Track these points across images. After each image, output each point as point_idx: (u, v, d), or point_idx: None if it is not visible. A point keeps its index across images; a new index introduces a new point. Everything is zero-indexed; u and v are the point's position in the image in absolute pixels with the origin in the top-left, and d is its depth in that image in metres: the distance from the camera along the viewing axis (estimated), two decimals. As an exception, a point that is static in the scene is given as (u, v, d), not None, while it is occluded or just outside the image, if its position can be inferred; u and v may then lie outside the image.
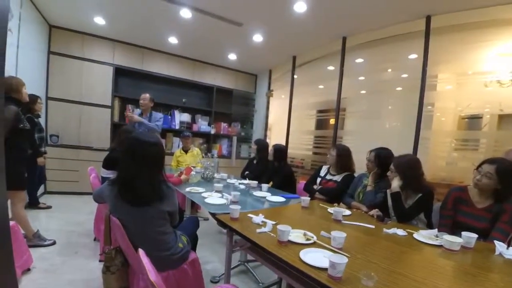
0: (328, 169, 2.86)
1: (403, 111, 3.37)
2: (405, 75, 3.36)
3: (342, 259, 1.01)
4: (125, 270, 1.53)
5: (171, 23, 3.88)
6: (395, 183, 2.00)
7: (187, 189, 2.55)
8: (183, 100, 5.58)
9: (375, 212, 2.05)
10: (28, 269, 2.17)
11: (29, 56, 3.65)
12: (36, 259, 2.28)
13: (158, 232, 1.51)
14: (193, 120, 5.77)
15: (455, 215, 1.86)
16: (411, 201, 2.00)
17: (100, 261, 2.37)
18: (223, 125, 5.93)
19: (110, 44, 4.78)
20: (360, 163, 2.76)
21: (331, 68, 4.20)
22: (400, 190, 1.98)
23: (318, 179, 2.84)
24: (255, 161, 3.81)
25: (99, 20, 4.05)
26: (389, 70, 3.56)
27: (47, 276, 2.15)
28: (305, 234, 1.42)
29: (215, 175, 3.38)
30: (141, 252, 1.11)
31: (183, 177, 2.82)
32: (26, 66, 3.51)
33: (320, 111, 4.51)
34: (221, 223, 1.68)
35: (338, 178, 2.71)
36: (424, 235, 1.62)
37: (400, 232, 1.67)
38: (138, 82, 5.22)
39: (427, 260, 1.32)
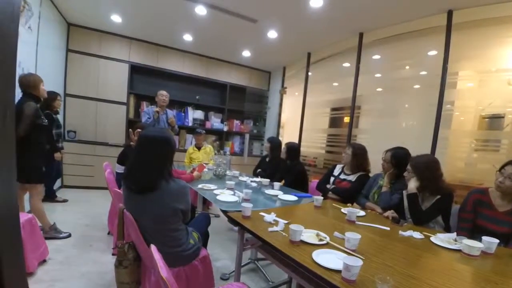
0: (342, 168, 2.80)
1: (420, 110, 3.26)
2: (423, 73, 3.24)
3: (356, 262, 0.98)
4: (137, 264, 1.55)
5: (186, 20, 3.90)
6: (412, 184, 1.94)
7: (199, 186, 2.56)
8: (197, 97, 5.62)
9: (390, 213, 1.99)
10: (44, 261, 2.24)
11: (48, 54, 3.75)
12: (52, 251, 2.35)
13: (170, 229, 1.52)
14: (206, 117, 5.80)
15: (475, 218, 1.78)
16: (429, 203, 1.93)
17: (113, 254, 2.42)
18: (236, 122, 5.94)
19: (126, 41, 4.86)
20: (375, 163, 2.69)
21: (346, 65, 4.11)
22: (417, 192, 1.92)
23: (332, 178, 2.79)
24: (267, 159, 3.79)
25: (116, 18, 4.11)
26: (407, 67, 3.44)
27: (62, 267, 2.21)
28: (318, 235, 1.39)
29: (227, 172, 3.39)
30: (153, 248, 1.11)
31: (195, 173, 2.84)
32: (45, 63, 3.61)
33: (334, 109, 4.43)
34: (233, 221, 1.67)
35: (352, 177, 2.65)
36: (441, 239, 1.56)
37: (417, 235, 1.62)
38: (153, 80, 5.28)
39: (444, 265, 1.27)
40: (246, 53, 5.11)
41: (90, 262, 2.33)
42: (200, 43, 4.85)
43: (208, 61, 5.55)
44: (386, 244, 1.48)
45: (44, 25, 3.47)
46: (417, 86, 3.31)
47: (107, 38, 4.73)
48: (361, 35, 3.75)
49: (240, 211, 1.72)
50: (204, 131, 4.44)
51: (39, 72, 3.18)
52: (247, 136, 5.92)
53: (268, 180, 3.05)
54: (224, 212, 1.87)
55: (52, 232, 2.67)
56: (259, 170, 3.75)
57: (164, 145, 1.51)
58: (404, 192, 2.02)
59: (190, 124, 5.50)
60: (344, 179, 2.70)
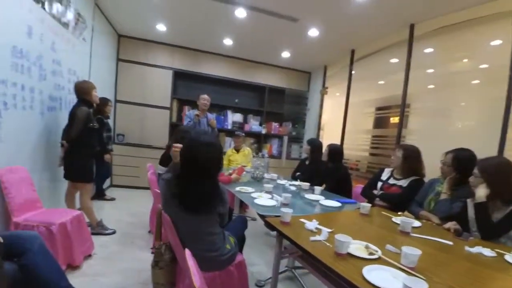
0: (392, 172, 2.54)
1: (480, 107, 2.83)
2: (484, 65, 2.81)
3: (420, 284, 0.81)
4: (173, 266, 1.54)
5: (226, 24, 3.94)
6: (481, 192, 1.64)
7: (237, 189, 2.50)
8: (236, 100, 5.66)
9: (452, 225, 1.72)
10: (90, 255, 2.36)
11: (100, 63, 4.05)
12: (97, 246, 2.47)
13: (207, 232, 1.48)
14: (245, 120, 5.81)
15: None
16: (500, 214, 1.62)
17: (152, 253, 2.47)
18: (274, 124, 5.85)
19: (170, 49, 5.09)
20: (426, 167, 2.39)
21: (394, 60, 3.79)
22: (486, 200, 1.63)
23: (379, 183, 2.54)
24: (307, 162, 3.63)
25: (161, 27, 4.31)
26: (465, 60, 3.03)
27: (105, 263, 2.31)
28: (367, 247, 1.22)
29: (265, 175, 3.30)
30: (187, 253, 1.05)
31: (233, 176, 2.80)
32: (98, 72, 3.90)
33: (379, 108, 4.11)
34: (270, 226, 1.57)
35: (403, 182, 2.38)
36: (520, 258, 1.28)
37: (487, 252, 1.35)
38: (194, 84, 5.44)
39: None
40: (286, 54, 5.01)
41: (130, 259, 2.40)
42: (239, 47, 4.88)
43: (247, 64, 5.56)
44: (449, 261, 1.26)
45: (96, 37, 3.76)
46: (476, 82, 2.89)
47: (153, 47, 5.00)
48: (412, 27, 3.41)
49: (278, 216, 1.61)
50: (243, 134, 4.43)
51: (92, 80, 3.43)
52: (285, 138, 5.78)
53: (308, 184, 2.89)
54: (262, 216, 1.78)
55: (98, 228, 2.82)
56: (298, 173, 3.60)
57: (216, 152, 1.47)
58: (469, 201, 1.74)
59: (229, 127, 5.56)
60: (394, 184, 2.44)
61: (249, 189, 2.48)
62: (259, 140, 5.84)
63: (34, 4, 2.26)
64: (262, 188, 2.55)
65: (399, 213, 2.07)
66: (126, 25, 4.43)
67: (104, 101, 3.80)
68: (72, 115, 2.58)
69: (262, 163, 3.21)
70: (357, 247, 1.22)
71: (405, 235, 1.56)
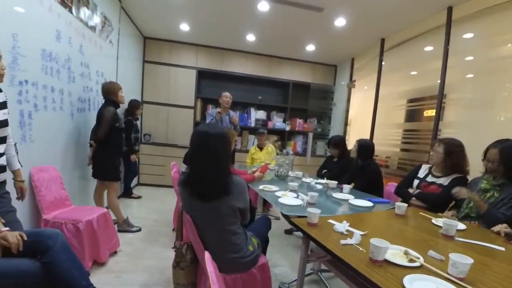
0: (430, 169, 2.31)
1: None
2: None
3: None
4: (194, 267, 1.49)
5: (249, 19, 3.87)
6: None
7: (260, 187, 2.42)
8: (259, 97, 5.58)
9: (502, 228, 1.51)
10: (115, 252, 2.41)
11: (127, 65, 4.16)
12: (123, 243, 2.52)
13: (228, 231, 1.41)
14: (268, 117, 5.71)
15: None
16: None
17: (175, 251, 2.48)
18: (299, 121, 5.69)
19: (193, 49, 5.14)
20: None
21: (428, 48, 3.49)
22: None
23: (416, 181, 2.33)
24: (334, 159, 3.46)
25: (184, 27, 4.34)
26: (509, 44, 2.69)
27: (130, 260, 2.35)
28: (406, 253, 1.08)
29: (289, 173, 3.19)
30: (207, 256, 0.98)
31: (256, 174, 2.71)
32: (124, 74, 4.00)
33: (411, 100, 3.82)
34: (296, 227, 1.47)
35: (444, 181, 2.15)
36: None
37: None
38: (217, 83, 5.45)
39: None
40: (310, 47, 4.83)
41: (154, 257, 2.42)
42: (262, 42, 4.80)
43: (271, 60, 5.46)
44: (502, 270, 1.08)
45: (123, 39, 3.86)
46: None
47: (177, 47, 5.08)
48: (449, 10, 3.12)
49: (304, 216, 1.51)
50: (266, 131, 4.34)
51: (119, 81, 3.50)
52: (310, 135, 5.60)
53: (336, 182, 2.74)
54: (286, 216, 1.68)
55: (124, 226, 2.88)
56: (324, 170, 3.44)
57: (223, 139, 1.41)
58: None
59: (253, 124, 5.50)
60: (433, 183, 2.22)
61: (273, 188, 2.39)
62: (283, 137, 5.72)
63: (62, 8, 2.33)
64: (286, 187, 2.45)
65: (439, 214, 1.87)
66: (150, 26, 4.51)
67: (136, 104, 3.98)
68: (100, 115, 2.64)
69: (286, 161, 3.10)
70: (395, 253, 1.08)
71: (448, 239, 1.39)
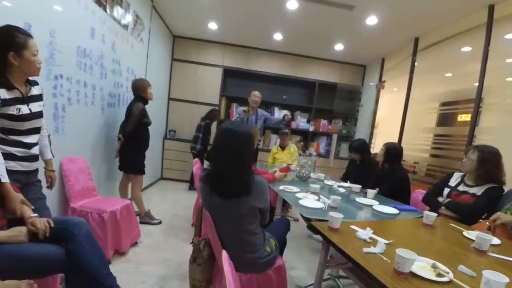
0: (463, 177, 2.16)
1: None
2: None
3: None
4: (211, 263, 1.50)
5: (277, 18, 3.84)
6: None
7: (281, 187, 2.39)
8: (284, 97, 5.53)
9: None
10: (136, 243, 2.48)
11: (156, 63, 4.29)
12: (143, 235, 2.59)
13: (247, 231, 1.40)
14: (292, 117, 5.64)
15: None
16: None
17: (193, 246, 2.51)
18: (323, 122, 5.56)
19: (220, 47, 5.20)
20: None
21: (466, 49, 3.27)
22: None
23: (446, 190, 2.19)
24: (357, 162, 3.34)
25: (213, 26, 4.40)
26: None
27: (149, 251, 2.41)
28: (434, 266, 1.00)
29: (311, 174, 3.12)
30: (224, 255, 0.97)
31: (277, 174, 2.68)
32: (153, 71, 4.13)
33: (444, 104, 3.59)
34: (315, 230, 1.42)
35: (477, 190, 2.00)
36: None
37: None
38: (242, 82, 5.47)
39: None
40: (339, 47, 4.71)
41: (172, 250, 2.47)
42: (290, 41, 4.75)
43: (297, 59, 5.39)
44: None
45: (153, 38, 3.98)
46: None
47: (204, 46, 5.17)
48: (491, 8, 2.89)
49: (325, 220, 1.46)
50: (289, 131, 4.28)
51: (148, 79, 3.62)
52: (334, 136, 5.45)
53: (359, 186, 2.64)
54: (306, 219, 1.64)
55: (146, 218, 2.97)
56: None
57: (247, 138, 1.40)
58: None
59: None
60: (465, 192, 2.06)
61: (294, 189, 2.35)
62: (306, 137, 5.63)
63: (97, 7, 2.44)
64: (308, 188, 2.40)
65: (472, 226, 1.74)
66: (180, 25, 4.62)
67: (215, 113, 4.39)
68: (129, 110, 2.74)
69: (308, 162, 3.03)
70: (421, 266, 1.01)
71: (481, 254, 1.28)
